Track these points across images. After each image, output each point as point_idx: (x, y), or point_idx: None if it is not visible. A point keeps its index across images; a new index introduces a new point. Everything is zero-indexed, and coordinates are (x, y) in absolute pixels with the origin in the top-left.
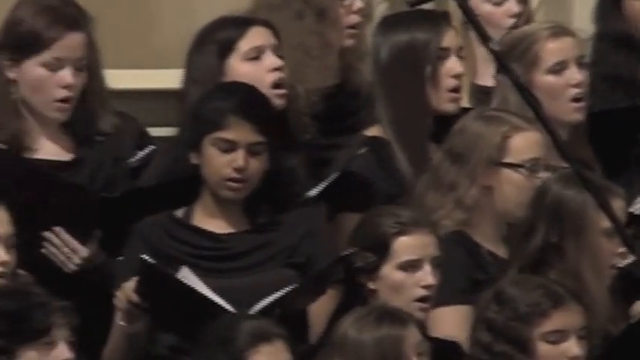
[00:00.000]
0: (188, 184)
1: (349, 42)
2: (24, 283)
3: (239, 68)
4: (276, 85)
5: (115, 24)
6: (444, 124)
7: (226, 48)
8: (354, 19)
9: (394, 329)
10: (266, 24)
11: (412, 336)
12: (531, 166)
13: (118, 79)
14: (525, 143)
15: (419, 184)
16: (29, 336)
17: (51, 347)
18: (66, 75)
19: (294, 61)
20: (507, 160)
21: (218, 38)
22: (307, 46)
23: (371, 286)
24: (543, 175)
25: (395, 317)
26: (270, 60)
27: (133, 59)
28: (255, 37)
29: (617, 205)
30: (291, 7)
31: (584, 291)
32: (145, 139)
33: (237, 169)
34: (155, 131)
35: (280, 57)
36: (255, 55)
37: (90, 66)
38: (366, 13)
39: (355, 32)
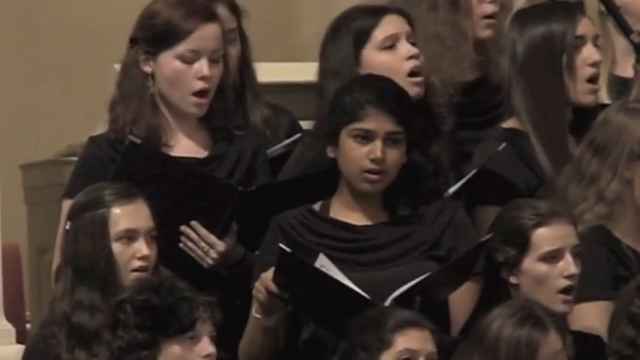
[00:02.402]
0: (325, 178)
1: (486, 33)
2: (168, 277)
3: (375, 58)
4: (413, 74)
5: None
6: (582, 116)
7: (361, 38)
8: (489, 8)
9: (533, 333)
10: (400, 12)
11: (551, 343)
12: None
13: (266, 72)
14: None
15: (561, 176)
16: (174, 330)
17: (194, 342)
18: (202, 67)
19: (430, 52)
20: None
21: (352, 28)
22: (442, 37)
23: (513, 280)
24: None
25: (538, 321)
26: (406, 48)
27: (275, 52)
28: (390, 25)
29: None
30: None
31: None
32: (297, 131)
33: (375, 160)
34: (305, 125)
35: (414, 44)
36: (391, 44)
37: (242, 59)
38: (502, 3)
39: (492, 22)
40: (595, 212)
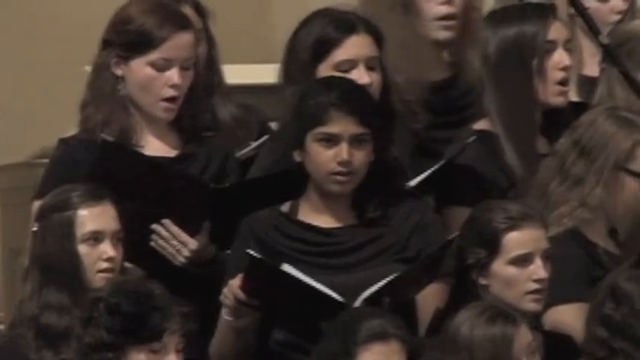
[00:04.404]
0: (295, 177)
1: (443, 35)
2: (146, 282)
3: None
4: None
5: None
6: (552, 117)
7: (321, 51)
8: (442, 10)
9: (506, 329)
10: (369, 30)
11: (523, 336)
12: None
13: (232, 73)
14: None
15: (541, 170)
16: (141, 338)
17: (161, 353)
18: (173, 75)
19: (391, 52)
20: (632, 167)
21: (317, 38)
22: (398, 38)
23: (482, 281)
24: None
25: (508, 317)
26: (358, 75)
27: (247, 54)
28: (351, 49)
29: None
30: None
31: None
32: (266, 132)
33: (342, 163)
34: (274, 126)
35: (373, 69)
36: (347, 69)
37: (209, 60)
38: (470, 4)
39: (448, 24)
40: (576, 216)
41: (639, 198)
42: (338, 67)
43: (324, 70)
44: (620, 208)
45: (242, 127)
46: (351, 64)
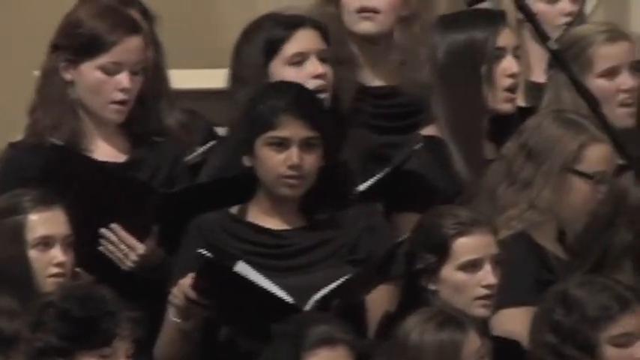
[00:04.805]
0: (245, 181)
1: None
2: (96, 287)
3: (281, 72)
4: (318, 92)
5: (178, 24)
6: (500, 123)
7: (271, 49)
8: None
9: (455, 335)
10: (315, 26)
11: (472, 342)
12: (599, 179)
13: (182, 78)
14: (599, 155)
15: (489, 174)
16: (91, 344)
17: (110, 358)
18: (123, 79)
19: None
20: (579, 168)
21: (265, 38)
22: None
23: (432, 287)
24: (604, 188)
25: (457, 323)
26: (313, 67)
27: (196, 59)
28: (301, 41)
29: None
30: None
31: None
32: (212, 137)
33: (292, 167)
34: (223, 131)
35: (325, 61)
36: (299, 60)
37: (155, 66)
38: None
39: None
40: (525, 219)
41: (588, 199)
42: (290, 60)
43: (277, 66)
44: (569, 210)
45: (187, 132)
46: (302, 57)
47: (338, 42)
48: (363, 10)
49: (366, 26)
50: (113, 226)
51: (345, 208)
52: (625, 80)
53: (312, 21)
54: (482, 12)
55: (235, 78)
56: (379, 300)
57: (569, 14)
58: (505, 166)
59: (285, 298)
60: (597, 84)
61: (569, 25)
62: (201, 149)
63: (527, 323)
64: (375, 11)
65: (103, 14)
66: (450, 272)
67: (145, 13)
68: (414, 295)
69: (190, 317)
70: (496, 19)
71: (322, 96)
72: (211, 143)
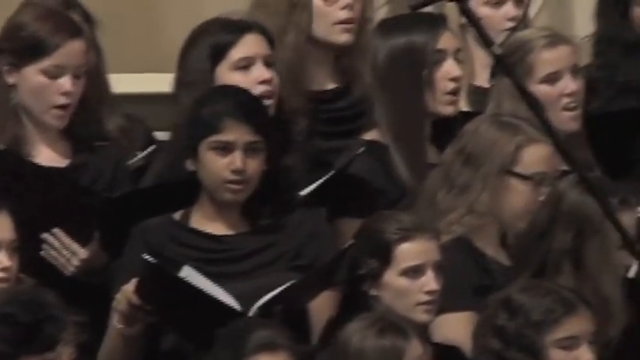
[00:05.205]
0: (187, 186)
1: (343, 38)
2: (40, 292)
3: (228, 77)
4: (264, 97)
5: (122, 28)
6: (441, 127)
7: (218, 54)
8: (343, 14)
9: (396, 341)
10: (261, 31)
11: (414, 348)
12: (539, 180)
13: (126, 83)
14: (537, 156)
15: (428, 181)
16: (34, 348)
17: None
18: (65, 82)
19: (282, 59)
20: (517, 170)
21: (211, 42)
22: (282, 42)
23: (374, 292)
24: (546, 190)
25: (398, 329)
26: (259, 72)
27: (140, 63)
28: (247, 46)
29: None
30: (268, 3)
31: (601, 297)
32: (151, 142)
33: (236, 171)
34: (164, 136)
35: (270, 66)
36: (245, 65)
37: (95, 70)
38: (359, 9)
39: (347, 27)
40: (464, 223)
41: (528, 200)
42: (236, 65)
43: (223, 71)
44: (509, 212)
45: (128, 137)
46: (248, 61)
47: (295, 49)
48: (345, 22)
49: (346, 37)
50: (55, 231)
51: (289, 213)
52: (567, 84)
53: (258, 26)
54: (423, 16)
55: (181, 82)
56: (323, 306)
57: (513, 19)
58: (444, 171)
59: (229, 303)
60: (540, 89)
61: (514, 29)
62: (142, 154)
63: (468, 329)
64: (352, 22)
65: (46, 17)
66: (392, 278)
67: (87, 16)
68: (357, 301)
69: (134, 323)
70: (436, 22)
71: (268, 102)
72: (152, 147)
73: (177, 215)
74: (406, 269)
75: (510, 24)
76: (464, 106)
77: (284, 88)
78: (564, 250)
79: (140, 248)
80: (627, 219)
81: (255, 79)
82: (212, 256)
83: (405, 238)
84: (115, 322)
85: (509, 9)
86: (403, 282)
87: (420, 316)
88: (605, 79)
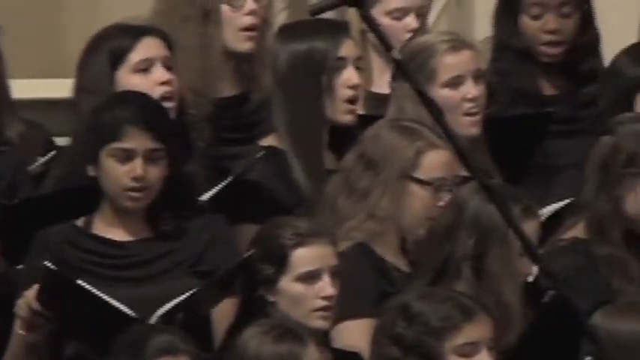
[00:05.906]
0: (89, 192)
1: (246, 46)
2: None
3: (128, 80)
4: (164, 99)
5: (23, 33)
6: (340, 134)
7: (117, 58)
8: (248, 20)
9: (293, 347)
10: (159, 34)
11: (311, 354)
12: (438, 186)
13: (26, 88)
14: (437, 161)
15: (329, 186)
16: None
17: None
18: None
19: (182, 65)
20: (417, 175)
21: (110, 47)
22: (191, 49)
23: (270, 298)
24: (446, 196)
25: (295, 335)
26: (159, 73)
27: (41, 68)
28: (146, 48)
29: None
30: (178, 10)
31: (501, 303)
32: (51, 147)
33: (136, 179)
34: (64, 141)
35: (170, 69)
36: (145, 68)
37: None
38: (263, 16)
39: (251, 35)
40: (364, 229)
41: (428, 206)
42: (136, 68)
43: (123, 75)
44: (409, 218)
45: (28, 143)
46: (148, 64)
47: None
48: (249, 28)
49: (248, 46)
50: None
51: (191, 220)
52: (469, 89)
53: (156, 30)
54: (324, 22)
55: (81, 88)
56: (224, 313)
57: (413, 30)
58: (344, 177)
59: (126, 310)
60: (442, 94)
61: (412, 38)
62: (42, 159)
63: (367, 335)
64: (256, 29)
65: None
66: (287, 283)
67: None
68: (255, 306)
69: (35, 329)
70: (338, 29)
71: (169, 104)
72: (53, 153)
73: (79, 222)
74: (302, 275)
75: (411, 35)
76: (361, 110)
77: (188, 94)
78: (466, 256)
79: (42, 255)
80: (529, 227)
81: (155, 81)
82: (113, 262)
83: (300, 244)
84: (17, 329)
85: (410, 21)
86: (299, 288)
87: (317, 322)
88: (500, 85)
